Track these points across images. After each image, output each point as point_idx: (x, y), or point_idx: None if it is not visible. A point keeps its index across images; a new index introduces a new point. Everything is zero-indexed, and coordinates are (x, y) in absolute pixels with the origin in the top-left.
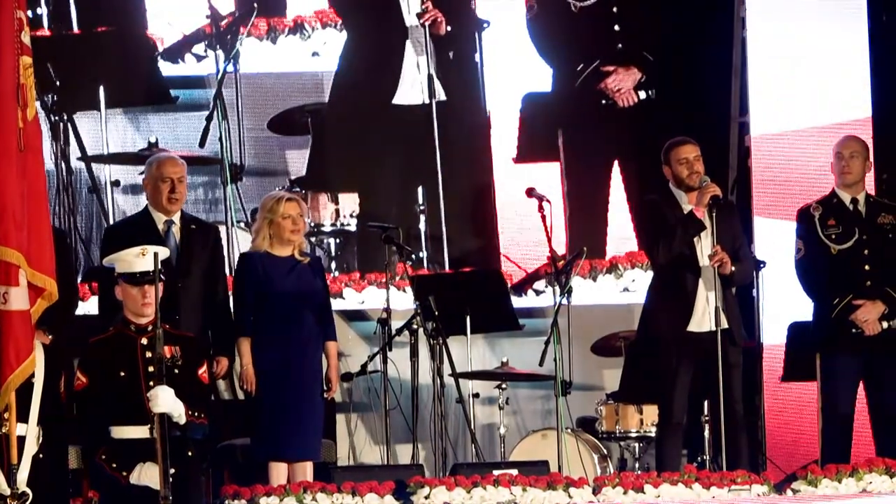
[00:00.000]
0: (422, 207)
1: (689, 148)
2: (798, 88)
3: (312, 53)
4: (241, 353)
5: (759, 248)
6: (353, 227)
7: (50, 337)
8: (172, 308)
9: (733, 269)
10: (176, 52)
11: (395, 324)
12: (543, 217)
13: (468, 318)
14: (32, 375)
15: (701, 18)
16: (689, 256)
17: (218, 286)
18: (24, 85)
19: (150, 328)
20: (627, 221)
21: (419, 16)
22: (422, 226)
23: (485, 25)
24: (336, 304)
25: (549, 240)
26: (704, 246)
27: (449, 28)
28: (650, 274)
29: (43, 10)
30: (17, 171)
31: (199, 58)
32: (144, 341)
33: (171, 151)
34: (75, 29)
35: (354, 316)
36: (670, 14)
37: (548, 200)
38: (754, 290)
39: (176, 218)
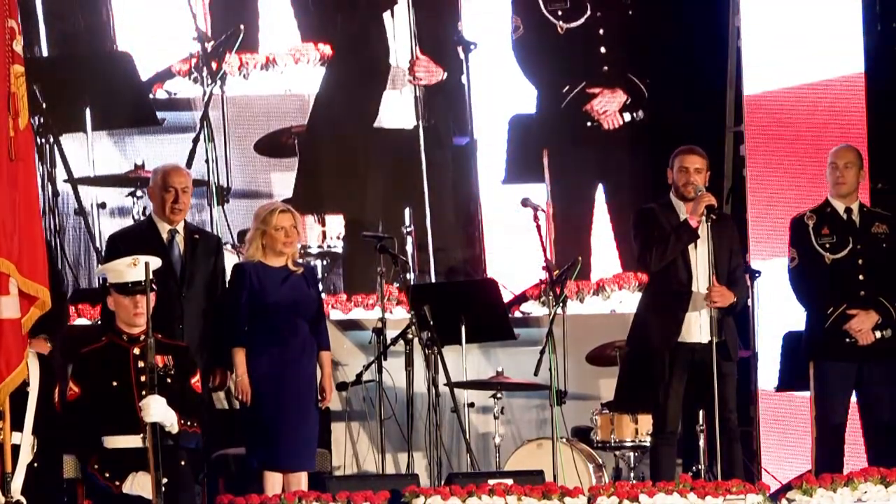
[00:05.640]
0: (409, 229)
1: (694, 158)
2: (793, 97)
3: (285, 90)
4: (235, 364)
5: (753, 258)
6: (339, 249)
7: (49, 345)
8: (177, 318)
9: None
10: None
11: (390, 333)
12: (538, 227)
13: (463, 328)
14: (27, 384)
15: (696, 28)
16: (683, 266)
17: (218, 296)
18: (15, 94)
19: (142, 338)
20: (612, 244)
21: (410, 71)
22: (409, 247)
23: (471, 47)
24: (331, 314)
25: (545, 249)
26: (699, 256)
27: (445, 75)
28: (638, 295)
29: None
30: (8, 181)
31: (171, 94)
32: (136, 351)
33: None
34: (45, 52)
35: (349, 325)
36: (661, 28)
37: (542, 210)
38: (749, 300)
39: (180, 227)
